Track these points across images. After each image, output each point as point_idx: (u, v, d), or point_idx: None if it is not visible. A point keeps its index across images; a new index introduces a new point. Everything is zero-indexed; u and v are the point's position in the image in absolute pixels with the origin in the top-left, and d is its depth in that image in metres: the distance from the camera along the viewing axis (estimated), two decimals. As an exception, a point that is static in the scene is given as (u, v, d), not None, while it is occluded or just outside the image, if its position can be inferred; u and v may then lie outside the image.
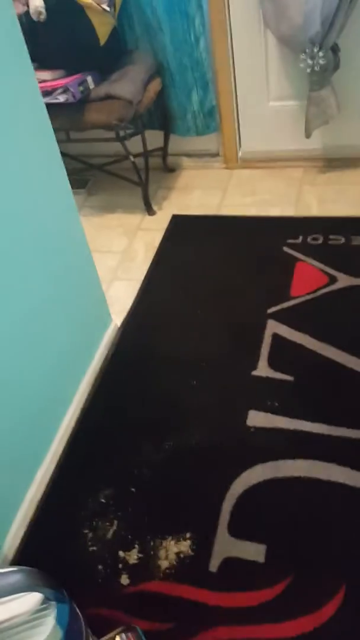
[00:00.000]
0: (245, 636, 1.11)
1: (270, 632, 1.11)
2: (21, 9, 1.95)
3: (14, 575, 0.67)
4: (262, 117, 2.46)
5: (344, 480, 1.31)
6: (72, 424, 1.57)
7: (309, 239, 2.08)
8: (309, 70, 2.11)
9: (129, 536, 1.30)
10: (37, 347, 1.36)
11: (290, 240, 2.09)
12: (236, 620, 1.13)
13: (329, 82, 2.15)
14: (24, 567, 0.72)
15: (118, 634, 1.05)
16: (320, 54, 2.04)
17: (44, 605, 0.69)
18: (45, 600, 0.70)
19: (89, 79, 2.08)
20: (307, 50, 2.05)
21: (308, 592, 1.15)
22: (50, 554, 1.30)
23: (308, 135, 2.31)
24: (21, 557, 1.29)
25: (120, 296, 2.01)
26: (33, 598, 0.69)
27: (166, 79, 2.36)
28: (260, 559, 1.21)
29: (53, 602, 0.70)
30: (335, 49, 2.11)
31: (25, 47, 1.20)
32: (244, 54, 2.29)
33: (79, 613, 0.77)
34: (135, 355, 1.77)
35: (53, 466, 1.47)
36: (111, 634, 1.05)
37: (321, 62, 2.06)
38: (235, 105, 2.45)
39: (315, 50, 2.03)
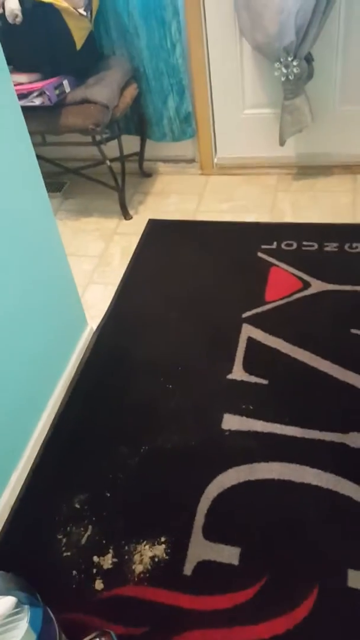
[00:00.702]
0: (220, 638, 1.11)
1: (245, 634, 1.11)
2: (-3, 11, 1.94)
3: (-14, 579, 0.66)
4: (237, 125, 2.49)
5: (317, 483, 1.33)
6: (47, 428, 1.56)
7: (283, 245, 2.11)
8: (283, 78, 2.14)
9: (104, 541, 1.29)
10: (12, 350, 1.35)
11: (264, 246, 2.11)
12: (211, 623, 1.13)
13: (303, 91, 2.19)
14: (-3, 571, 0.71)
15: (92, 639, 1.04)
16: (295, 63, 2.07)
17: (18, 609, 0.69)
18: (19, 604, 0.70)
19: (65, 82, 2.08)
20: (281, 59, 2.08)
21: (282, 594, 1.16)
22: (24, 559, 1.29)
23: (282, 143, 2.35)
24: (-6, 564, 1.28)
25: (96, 300, 2.01)
26: (6, 602, 0.69)
27: (142, 84, 2.37)
28: (235, 561, 1.22)
29: (26, 606, 0.70)
30: (309, 59, 2.15)
31: (0, 49, 1.20)
32: (220, 61, 2.32)
33: (53, 617, 0.76)
34: (111, 359, 1.76)
35: (27, 471, 1.46)
36: (86, 639, 1.04)
37: (295, 71, 2.09)
38: (211, 111, 2.47)
39: (290, 59, 2.07)
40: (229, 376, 1.63)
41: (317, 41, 2.08)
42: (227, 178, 2.59)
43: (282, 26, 1.99)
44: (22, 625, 0.68)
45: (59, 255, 1.59)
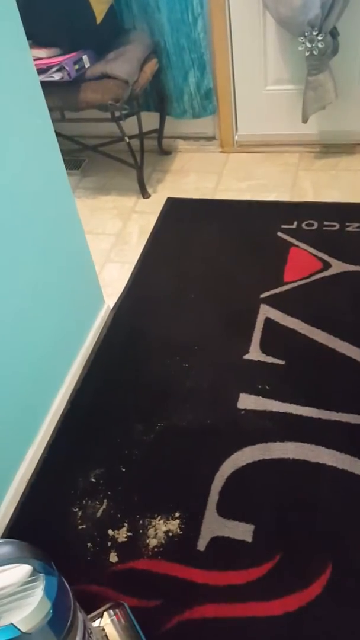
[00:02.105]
0: (232, 614, 1.12)
1: (257, 610, 1.12)
2: (17, -17, 1.92)
3: (3, 547, 0.68)
4: (259, 101, 2.44)
5: (332, 463, 1.33)
6: (64, 404, 1.57)
7: (303, 225, 2.08)
8: (307, 54, 2.09)
9: (119, 515, 1.31)
10: (30, 328, 1.36)
11: (284, 226, 2.09)
12: (223, 598, 1.15)
13: (327, 67, 2.14)
14: (13, 540, 0.73)
15: (106, 610, 1.06)
16: (319, 37, 2.02)
17: (33, 577, 0.70)
18: (34, 572, 0.71)
19: (85, 57, 2.06)
20: (305, 34, 2.03)
21: (295, 572, 1.17)
22: (40, 531, 1.31)
23: (305, 120, 2.30)
24: (11, 535, 1.30)
25: (114, 279, 2.01)
26: (22, 570, 0.70)
27: (163, 59, 2.33)
28: (248, 538, 1.23)
29: (42, 574, 0.71)
30: (334, 33, 2.09)
31: (21, 23, 1.18)
32: (243, 36, 2.27)
33: (68, 586, 0.78)
34: (128, 337, 1.77)
35: (44, 445, 1.48)
36: (99, 610, 1.06)
37: (320, 46, 2.04)
38: (232, 88, 2.43)
39: (314, 33, 2.02)
40: (246, 356, 1.62)
41: (342, 15, 2.02)
42: (248, 156, 2.56)
43: (307, -1, 1.93)
44: (37, 593, 0.69)
45: (78, 234, 1.59)
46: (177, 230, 2.18)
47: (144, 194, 2.40)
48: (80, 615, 0.81)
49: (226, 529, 1.25)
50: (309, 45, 2.05)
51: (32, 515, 1.34)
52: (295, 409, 1.46)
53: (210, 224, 2.18)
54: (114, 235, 2.23)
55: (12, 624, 0.65)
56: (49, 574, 0.71)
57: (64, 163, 1.45)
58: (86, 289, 1.71)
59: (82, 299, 1.69)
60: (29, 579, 0.70)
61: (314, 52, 2.06)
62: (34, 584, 0.70)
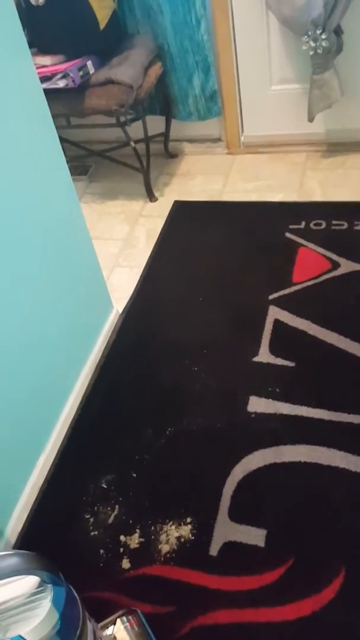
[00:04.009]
0: (245, 619, 1.12)
1: (270, 616, 1.11)
2: (19, -8, 1.93)
3: (11, 558, 0.68)
4: (264, 101, 2.43)
5: (344, 466, 1.32)
6: (74, 409, 1.58)
7: (311, 225, 2.07)
8: (311, 52, 2.08)
9: (130, 521, 1.31)
10: (38, 334, 1.37)
11: (292, 226, 2.08)
12: (236, 604, 1.14)
13: (332, 65, 2.13)
14: (21, 551, 0.73)
15: (119, 617, 1.06)
16: (323, 36, 2.01)
17: (41, 588, 0.70)
18: (42, 583, 0.71)
19: (89, 63, 2.06)
20: (309, 33, 2.02)
21: (308, 576, 1.16)
22: (53, 538, 1.32)
23: (311, 119, 2.29)
24: (23, 541, 1.31)
25: (122, 283, 2.01)
26: (30, 581, 0.70)
27: (167, 62, 2.33)
28: (261, 543, 1.22)
29: (49, 585, 0.71)
30: (338, 31, 2.08)
31: (22, 32, 1.19)
32: (246, 37, 2.26)
33: (76, 596, 0.77)
34: (137, 342, 1.77)
35: (55, 451, 1.48)
36: (112, 617, 1.06)
37: (324, 44, 2.03)
38: (237, 89, 2.42)
39: (318, 32, 2.00)
40: (255, 358, 1.61)
41: (346, 13, 2.01)
42: (254, 157, 2.55)
43: (309, -3, 1.92)
44: (45, 604, 0.69)
45: (84, 239, 1.60)
46: (185, 233, 2.18)
47: (151, 197, 2.41)
48: (90, 625, 0.81)
49: (238, 533, 1.24)
50: (313, 44, 2.04)
51: (44, 522, 1.35)
52: (306, 411, 1.45)
53: (217, 225, 2.17)
54: (121, 240, 2.23)
55: (20, 635, 0.65)
56: (57, 585, 0.71)
57: (71, 169, 1.46)
58: (94, 294, 1.72)
59: (91, 304, 1.69)
60: (37, 590, 0.70)
61: (319, 50, 2.05)
62: (41, 595, 0.70)
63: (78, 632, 0.74)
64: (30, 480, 1.39)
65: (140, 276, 2.01)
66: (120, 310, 1.88)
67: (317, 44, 2.04)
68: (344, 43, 2.13)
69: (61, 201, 1.44)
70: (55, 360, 1.47)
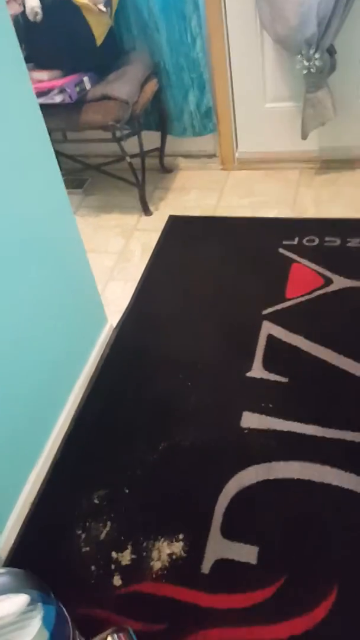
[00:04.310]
0: (237, 638, 1.11)
1: (262, 634, 1.11)
2: (17, 9, 1.95)
3: (1, 576, 0.67)
4: (258, 119, 2.46)
5: (337, 483, 1.32)
6: (67, 423, 1.57)
7: (304, 241, 2.08)
8: (305, 71, 2.11)
9: (122, 537, 1.30)
10: (32, 347, 1.36)
11: (286, 242, 2.09)
12: (228, 622, 1.13)
13: (326, 84, 2.16)
14: (11, 569, 0.72)
15: (110, 634, 1.05)
16: (317, 55, 2.04)
17: (31, 607, 0.69)
18: (32, 601, 0.70)
19: (86, 79, 2.08)
20: (303, 52, 2.05)
21: (300, 594, 1.15)
22: (44, 554, 1.30)
23: (304, 136, 2.32)
24: (14, 557, 1.30)
25: (116, 297, 2.01)
26: (20, 599, 0.69)
27: (163, 79, 2.36)
28: (253, 560, 1.21)
29: (39, 604, 0.70)
30: (331, 51, 2.11)
31: (19, 47, 1.20)
32: (241, 55, 2.29)
33: (67, 615, 0.77)
34: (131, 356, 1.77)
35: (47, 466, 1.47)
36: (103, 635, 1.05)
37: (317, 63, 2.06)
38: (232, 106, 2.45)
39: (312, 51, 2.04)
40: (249, 374, 1.61)
41: (339, 33, 2.04)
42: (248, 173, 2.57)
43: (303, 18, 1.95)
44: (35, 623, 0.68)
45: (79, 252, 1.60)
46: (179, 248, 2.19)
47: (146, 211, 2.42)
48: (81, 644, 0.80)
49: (230, 551, 1.23)
50: (306, 63, 2.07)
51: (36, 537, 1.33)
52: (299, 428, 1.45)
53: (212, 241, 2.19)
54: (116, 254, 2.24)
55: (10, 654, 0.65)
56: (47, 603, 0.71)
57: (67, 182, 1.46)
58: (88, 308, 1.72)
59: (85, 317, 1.69)
60: (27, 608, 0.69)
61: (312, 70, 2.08)
62: (31, 613, 0.69)
63: (68, 652, 0.73)
64: (21, 495, 1.37)
65: (135, 290, 2.01)
66: (115, 324, 1.88)
67: (311, 63, 2.07)
68: (337, 62, 2.16)
69: (56, 214, 1.45)
70: (48, 373, 1.47)
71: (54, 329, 1.47)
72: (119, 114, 2.06)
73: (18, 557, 1.30)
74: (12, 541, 1.32)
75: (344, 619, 1.10)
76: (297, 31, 2.00)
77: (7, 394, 1.27)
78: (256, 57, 2.28)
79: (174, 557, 1.24)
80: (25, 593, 0.69)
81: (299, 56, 2.07)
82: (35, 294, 1.36)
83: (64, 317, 1.53)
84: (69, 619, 0.76)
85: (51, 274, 1.43)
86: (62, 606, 0.75)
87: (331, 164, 2.48)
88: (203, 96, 2.39)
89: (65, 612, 0.76)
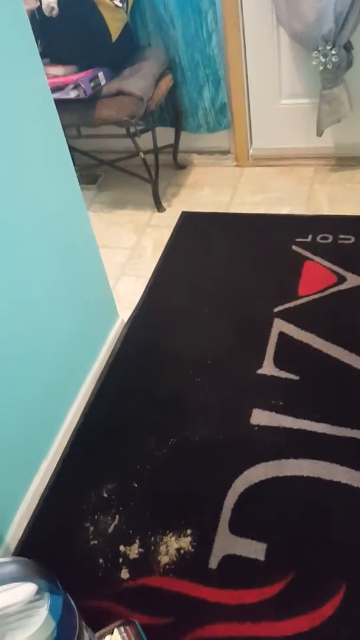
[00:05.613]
0: (243, 633, 1.11)
1: (269, 630, 1.11)
2: (34, 4, 1.96)
3: (9, 565, 0.68)
4: (273, 115, 2.45)
5: (346, 481, 1.31)
6: (77, 417, 1.58)
7: (318, 238, 2.07)
8: (321, 68, 2.09)
9: (130, 531, 1.30)
10: (43, 341, 1.37)
11: (299, 239, 2.08)
12: (235, 618, 1.13)
13: (342, 80, 2.14)
14: (19, 558, 0.73)
15: (117, 627, 1.05)
16: (333, 51, 2.02)
17: (38, 596, 0.70)
18: (39, 591, 0.71)
19: (101, 74, 2.09)
20: (319, 48, 2.04)
21: (308, 592, 1.15)
22: (52, 546, 1.31)
23: (320, 133, 2.30)
24: (23, 548, 1.31)
25: (128, 292, 2.02)
26: (27, 588, 0.70)
27: (178, 75, 2.36)
28: (261, 557, 1.21)
29: (47, 593, 0.71)
30: (348, 47, 2.10)
31: (34, 42, 1.21)
32: (257, 51, 2.28)
33: (74, 605, 0.77)
34: (141, 351, 1.77)
35: (57, 459, 1.48)
36: (109, 627, 1.05)
37: (334, 59, 2.04)
38: (247, 102, 2.44)
39: (328, 47, 2.02)
40: (259, 371, 1.61)
41: (356, 29, 2.02)
42: (263, 169, 2.56)
43: (320, 13, 1.94)
44: (42, 612, 0.69)
45: (91, 247, 1.61)
46: (192, 244, 2.18)
47: (159, 208, 2.42)
48: (87, 634, 0.80)
49: (238, 546, 1.23)
50: (322, 59, 2.06)
51: (45, 530, 1.35)
52: (309, 425, 1.45)
53: (224, 237, 2.18)
54: (129, 249, 2.24)
55: (16, 643, 0.65)
56: (54, 593, 0.71)
57: (81, 178, 1.47)
58: (100, 303, 1.72)
59: (96, 312, 1.70)
60: (34, 597, 0.70)
61: (328, 66, 2.07)
62: (38, 602, 0.70)
63: (74, 642, 0.74)
64: (31, 487, 1.39)
65: (146, 286, 2.02)
66: (126, 320, 1.89)
67: (327, 59, 2.06)
68: (353, 58, 2.14)
69: (69, 210, 1.46)
70: (59, 367, 1.48)
71: (66, 323, 1.48)
72: (134, 109, 2.06)
73: (26, 549, 1.31)
74: (21, 532, 1.33)
75: (351, 618, 1.10)
76: (314, 27, 1.99)
77: (18, 388, 1.28)
78: (272, 53, 2.27)
79: (181, 551, 1.25)
80: (33, 582, 0.70)
81: (315, 52, 2.06)
82: (48, 289, 1.37)
83: (75, 312, 1.54)
84: (76, 610, 0.77)
85: (64, 268, 1.44)
86: (69, 596, 0.76)
87: (346, 161, 2.46)
88: (218, 92, 2.38)
89: (72, 603, 0.77)
